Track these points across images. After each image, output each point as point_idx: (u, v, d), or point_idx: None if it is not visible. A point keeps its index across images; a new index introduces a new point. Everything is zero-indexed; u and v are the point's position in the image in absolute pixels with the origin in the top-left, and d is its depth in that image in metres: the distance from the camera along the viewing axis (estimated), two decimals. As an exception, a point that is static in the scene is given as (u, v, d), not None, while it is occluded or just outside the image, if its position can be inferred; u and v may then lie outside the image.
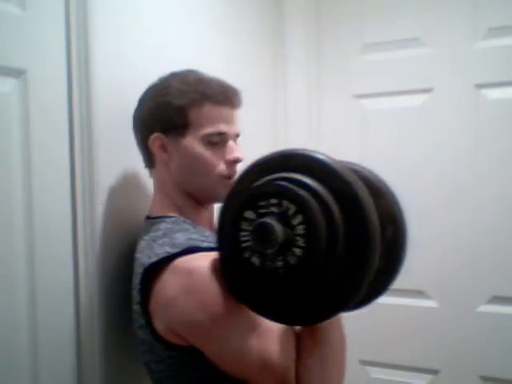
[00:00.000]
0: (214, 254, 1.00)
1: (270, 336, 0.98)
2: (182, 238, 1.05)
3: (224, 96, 1.14)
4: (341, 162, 0.89)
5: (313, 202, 0.82)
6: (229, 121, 1.15)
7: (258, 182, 0.89)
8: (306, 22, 2.00)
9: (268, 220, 0.81)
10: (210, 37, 1.59)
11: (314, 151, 0.89)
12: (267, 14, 1.92)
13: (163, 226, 1.10)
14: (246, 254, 0.86)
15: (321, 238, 0.81)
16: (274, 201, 0.83)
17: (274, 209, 0.83)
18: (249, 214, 0.85)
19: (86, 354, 1.15)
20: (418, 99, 1.86)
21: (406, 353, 1.90)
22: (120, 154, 1.22)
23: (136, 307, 1.06)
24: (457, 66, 1.80)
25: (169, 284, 1.00)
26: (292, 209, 0.82)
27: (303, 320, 0.93)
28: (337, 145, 1.99)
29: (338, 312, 0.92)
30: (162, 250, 1.03)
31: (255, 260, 0.85)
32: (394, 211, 1.01)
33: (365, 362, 1.98)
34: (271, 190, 0.84)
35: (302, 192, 0.82)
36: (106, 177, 1.18)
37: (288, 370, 0.98)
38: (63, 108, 1.12)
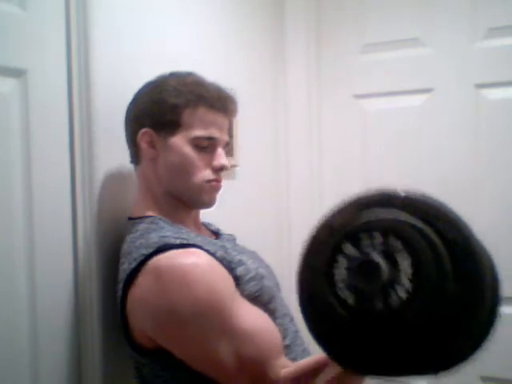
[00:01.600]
0: (184, 251, 1.00)
1: (244, 338, 0.96)
2: (155, 237, 1.04)
3: (221, 102, 1.13)
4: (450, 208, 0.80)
5: (422, 242, 0.74)
6: (221, 127, 1.14)
7: (357, 218, 0.79)
8: (306, 22, 2.00)
9: (373, 255, 0.74)
10: (210, 37, 1.59)
11: (421, 193, 0.81)
12: (267, 14, 1.92)
13: (141, 226, 1.10)
14: (340, 292, 0.76)
15: (430, 281, 0.73)
16: (378, 236, 0.75)
17: (377, 245, 0.75)
18: (348, 249, 0.77)
19: (85, 351, 1.15)
20: (418, 99, 1.86)
21: (406, 353, 1.90)
22: (120, 154, 1.22)
23: (119, 314, 1.07)
24: (457, 65, 1.80)
25: (141, 286, 1.01)
26: (399, 246, 0.74)
27: (391, 371, 0.81)
28: (337, 145, 1.99)
29: (427, 369, 0.80)
30: (138, 254, 1.03)
31: (350, 299, 0.76)
32: (494, 276, 0.89)
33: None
34: (376, 224, 0.76)
35: (411, 229, 0.75)
36: (106, 176, 1.18)
37: (262, 371, 0.95)
38: (63, 108, 1.12)
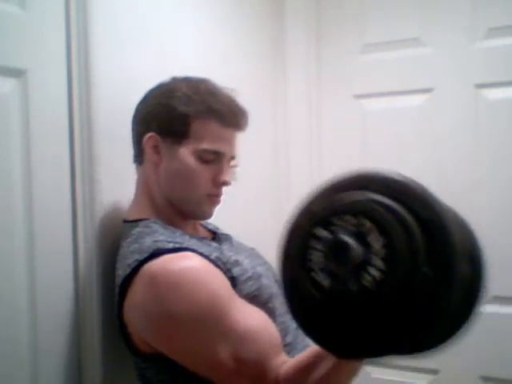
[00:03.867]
0: (177, 255, 0.99)
1: (242, 339, 0.95)
2: (148, 242, 1.03)
3: (232, 117, 1.11)
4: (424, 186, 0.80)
5: (395, 223, 0.73)
6: (229, 142, 1.13)
7: (329, 200, 0.80)
8: (306, 21, 2.00)
9: (345, 237, 0.74)
10: (210, 37, 1.59)
11: (392, 172, 0.79)
12: (267, 14, 1.92)
13: (135, 230, 1.09)
14: (315, 275, 0.77)
15: (403, 262, 0.73)
16: (350, 218, 0.75)
17: (350, 227, 0.75)
18: (320, 232, 0.77)
19: (85, 352, 1.15)
20: (418, 99, 1.86)
21: (406, 353, 1.90)
22: (120, 154, 1.22)
23: (117, 319, 1.07)
24: (457, 65, 1.79)
25: (136, 292, 1.00)
26: (371, 228, 0.74)
27: (369, 351, 0.80)
28: (337, 145, 1.99)
29: (398, 350, 0.80)
30: (132, 259, 1.02)
31: (325, 282, 0.76)
32: (473, 249, 0.91)
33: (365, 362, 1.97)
34: (348, 207, 0.76)
35: (384, 211, 0.74)
36: (106, 177, 1.18)
37: (262, 371, 0.95)
38: (63, 108, 1.12)
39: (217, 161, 1.11)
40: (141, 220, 1.11)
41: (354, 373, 0.95)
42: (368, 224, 0.74)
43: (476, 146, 1.78)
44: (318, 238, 0.77)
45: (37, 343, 1.06)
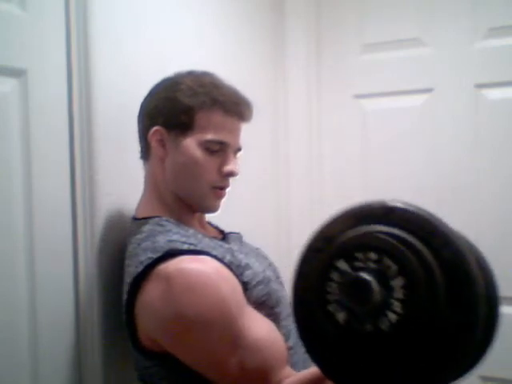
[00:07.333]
0: (193, 258, 0.99)
1: (250, 349, 0.95)
2: (162, 241, 1.03)
3: (236, 106, 1.12)
4: (449, 226, 0.77)
5: (417, 265, 0.72)
6: (234, 132, 1.13)
7: (354, 232, 0.78)
8: (306, 22, 2.00)
9: (366, 276, 0.73)
10: (210, 37, 1.59)
11: (420, 208, 0.77)
12: (267, 14, 1.92)
13: (146, 227, 1.09)
14: (331, 308, 0.76)
15: (422, 307, 0.71)
16: (373, 255, 0.74)
17: (371, 264, 0.74)
18: (341, 265, 0.76)
19: (85, 352, 1.15)
20: (418, 99, 1.86)
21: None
22: (120, 154, 1.22)
23: (124, 316, 1.06)
24: (457, 65, 1.80)
25: (149, 291, 1.00)
26: (393, 268, 0.73)
27: None
28: (337, 145, 1.99)
29: None
30: (145, 257, 1.02)
31: (340, 316, 0.75)
32: (491, 290, 0.89)
33: None
34: (372, 243, 0.75)
35: (407, 251, 0.73)
36: (106, 177, 1.18)
37: (267, 381, 0.95)
38: (63, 108, 1.12)
39: (222, 151, 1.11)
40: (151, 217, 1.11)
41: None
42: (390, 263, 0.73)
43: (476, 146, 1.78)
44: (339, 271, 0.76)
45: (37, 344, 1.06)
